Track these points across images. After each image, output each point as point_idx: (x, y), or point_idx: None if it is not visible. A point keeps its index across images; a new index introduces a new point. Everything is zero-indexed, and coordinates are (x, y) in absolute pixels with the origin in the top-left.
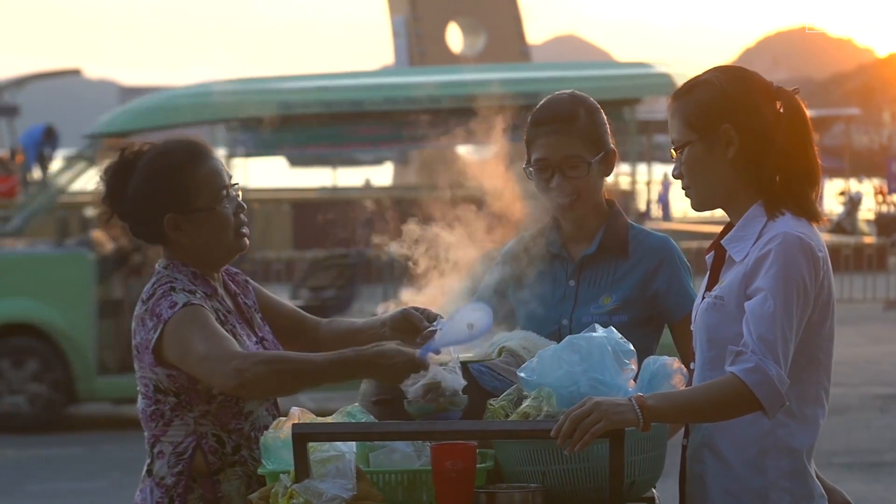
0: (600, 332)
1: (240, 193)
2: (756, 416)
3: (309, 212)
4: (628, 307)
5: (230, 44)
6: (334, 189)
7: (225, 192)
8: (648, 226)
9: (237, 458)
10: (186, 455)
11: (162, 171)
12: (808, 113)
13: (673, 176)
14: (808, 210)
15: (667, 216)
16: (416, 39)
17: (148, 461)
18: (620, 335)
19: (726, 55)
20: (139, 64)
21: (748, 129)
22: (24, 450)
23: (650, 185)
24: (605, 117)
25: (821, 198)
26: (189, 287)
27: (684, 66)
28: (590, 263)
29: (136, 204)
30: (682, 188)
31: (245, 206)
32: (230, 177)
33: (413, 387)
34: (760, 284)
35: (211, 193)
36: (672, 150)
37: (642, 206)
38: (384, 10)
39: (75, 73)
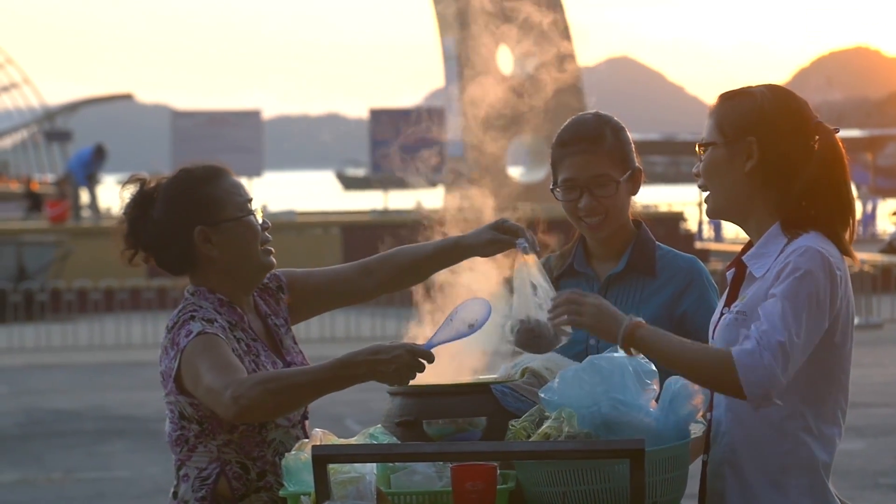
0: (622, 352)
1: (260, 214)
2: (778, 433)
3: (359, 234)
4: (656, 327)
5: (283, 67)
6: (385, 211)
7: (249, 204)
8: (699, 246)
9: (262, 484)
10: (210, 480)
11: (187, 187)
12: (862, 133)
13: (693, 172)
14: (833, 234)
15: (718, 237)
16: (467, 61)
17: (174, 483)
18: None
19: (780, 75)
20: (192, 88)
21: (771, 150)
22: (70, 473)
23: (702, 206)
24: (629, 136)
25: (873, 217)
26: (209, 316)
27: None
28: (616, 282)
29: (163, 224)
30: (699, 186)
31: (269, 224)
32: (251, 198)
33: (514, 331)
34: (775, 290)
35: (237, 204)
36: (697, 146)
37: (693, 227)
38: (434, 32)
39: (127, 97)
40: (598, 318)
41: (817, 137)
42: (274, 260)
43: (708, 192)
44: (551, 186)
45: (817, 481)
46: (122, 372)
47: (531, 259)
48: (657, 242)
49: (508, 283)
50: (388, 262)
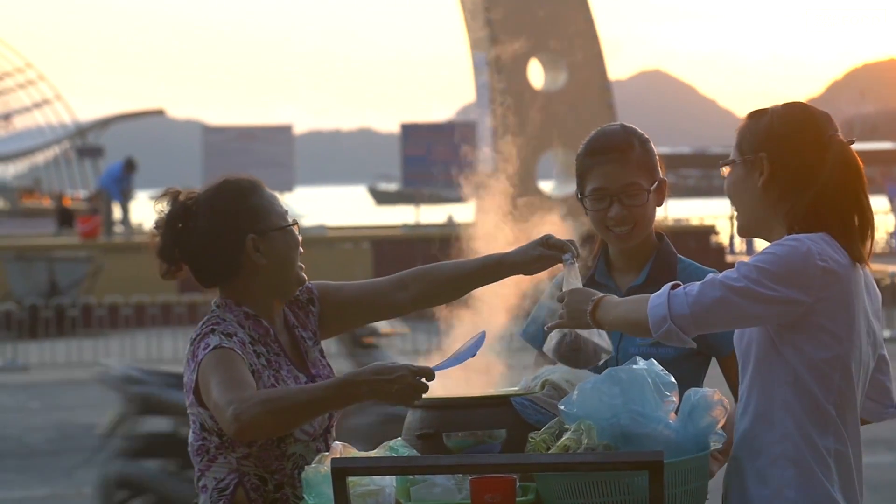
0: (641, 364)
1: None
2: (769, 426)
3: (390, 249)
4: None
5: (315, 82)
6: (416, 226)
7: (287, 215)
8: (731, 259)
9: (279, 496)
10: (228, 491)
11: (235, 197)
12: (892, 146)
13: (725, 190)
14: (842, 237)
15: (750, 250)
16: (498, 76)
17: (196, 494)
18: (661, 367)
19: (813, 88)
20: (224, 104)
21: (782, 163)
22: None
23: (733, 220)
24: (654, 147)
25: None
26: (229, 329)
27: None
28: (637, 294)
29: (211, 234)
30: (732, 205)
31: (301, 238)
32: (286, 209)
33: (553, 342)
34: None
35: (280, 214)
36: (720, 165)
37: (725, 240)
38: (466, 47)
39: (159, 113)
40: (573, 318)
41: (832, 150)
42: (305, 275)
43: (736, 211)
44: (578, 196)
45: (807, 475)
46: None
47: (575, 272)
48: (678, 255)
49: (529, 296)
50: (425, 276)
